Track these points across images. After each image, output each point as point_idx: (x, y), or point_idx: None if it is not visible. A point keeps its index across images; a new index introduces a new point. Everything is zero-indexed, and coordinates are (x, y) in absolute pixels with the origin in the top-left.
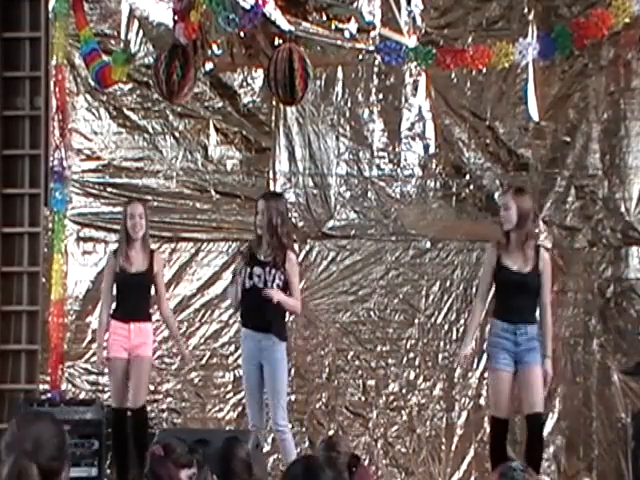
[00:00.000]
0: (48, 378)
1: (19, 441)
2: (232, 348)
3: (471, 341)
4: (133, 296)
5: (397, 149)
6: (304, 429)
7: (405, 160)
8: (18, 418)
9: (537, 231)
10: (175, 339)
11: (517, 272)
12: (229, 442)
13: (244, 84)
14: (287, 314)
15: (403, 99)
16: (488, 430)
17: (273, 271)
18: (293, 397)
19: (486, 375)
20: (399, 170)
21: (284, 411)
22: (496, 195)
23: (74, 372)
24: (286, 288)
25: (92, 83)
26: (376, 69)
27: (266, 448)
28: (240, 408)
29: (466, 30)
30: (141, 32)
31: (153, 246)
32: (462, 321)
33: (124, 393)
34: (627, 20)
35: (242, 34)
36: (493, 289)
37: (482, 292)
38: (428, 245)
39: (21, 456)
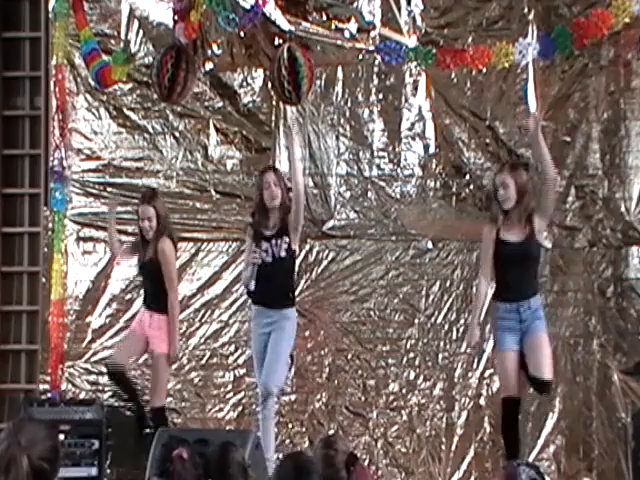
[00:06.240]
0: (48, 378)
1: (14, 434)
2: (232, 348)
3: (477, 323)
4: (146, 284)
5: (397, 149)
6: (304, 429)
7: (405, 160)
8: (16, 419)
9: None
10: (169, 332)
11: (514, 243)
12: (224, 447)
13: (244, 84)
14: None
15: (403, 99)
16: (488, 430)
17: (279, 241)
18: (293, 397)
19: (486, 375)
20: (399, 170)
21: (278, 376)
22: None
23: (74, 372)
24: (293, 251)
25: (92, 83)
26: (376, 69)
27: None
28: (240, 408)
29: (466, 30)
30: (141, 32)
31: None
32: (462, 321)
33: (123, 353)
34: (627, 20)
35: (242, 34)
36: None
37: (484, 269)
38: (430, 245)
39: (14, 445)
